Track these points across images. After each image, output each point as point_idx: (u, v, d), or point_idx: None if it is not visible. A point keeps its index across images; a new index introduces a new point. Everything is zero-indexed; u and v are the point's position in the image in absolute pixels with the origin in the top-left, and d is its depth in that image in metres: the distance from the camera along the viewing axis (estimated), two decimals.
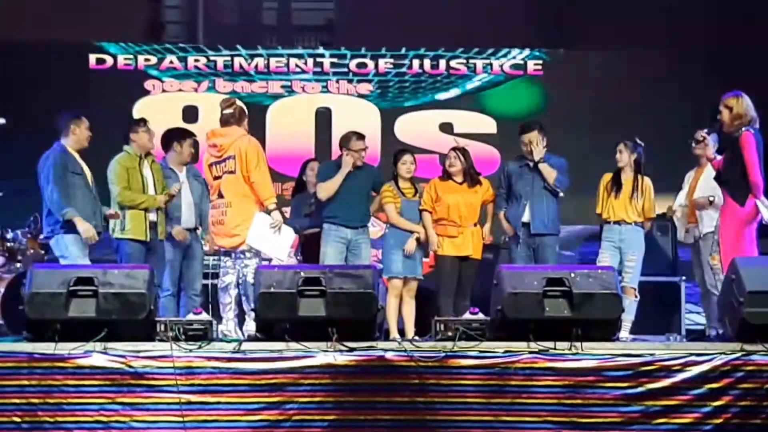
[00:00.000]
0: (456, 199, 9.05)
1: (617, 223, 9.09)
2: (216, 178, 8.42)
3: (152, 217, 8.81)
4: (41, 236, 9.08)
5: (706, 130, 8.53)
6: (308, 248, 9.68)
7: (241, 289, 8.38)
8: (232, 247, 8.38)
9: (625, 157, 9.13)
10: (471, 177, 9.15)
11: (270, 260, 8.74)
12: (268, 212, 8.36)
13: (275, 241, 8.38)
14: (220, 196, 8.38)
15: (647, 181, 9.18)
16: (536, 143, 9.00)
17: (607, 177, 9.22)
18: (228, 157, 8.32)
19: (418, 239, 9.03)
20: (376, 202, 9.32)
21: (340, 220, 9.09)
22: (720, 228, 8.18)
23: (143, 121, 9.16)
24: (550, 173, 9.02)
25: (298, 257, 9.83)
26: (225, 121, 8.46)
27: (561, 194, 9.11)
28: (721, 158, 8.25)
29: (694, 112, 11.28)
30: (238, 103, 8.52)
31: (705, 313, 9.30)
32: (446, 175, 9.18)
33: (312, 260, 9.43)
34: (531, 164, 9.10)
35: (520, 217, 9.08)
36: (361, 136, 9.27)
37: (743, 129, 8.03)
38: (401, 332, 9.00)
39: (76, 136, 8.72)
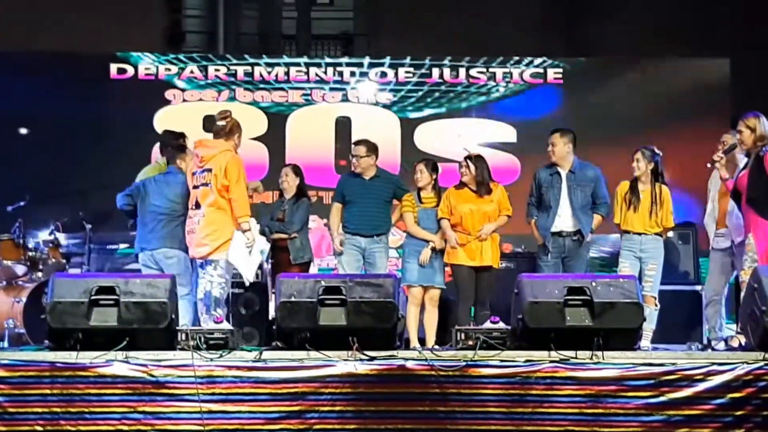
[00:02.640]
0: (469, 209, 9.06)
1: (637, 234, 9.05)
2: (194, 187, 8.35)
3: None
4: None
5: (722, 151, 8.53)
6: (276, 254, 9.64)
7: (205, 301, 8.16)
8: (201, 257, 8.25)
9: (642, 166, 9.08)
10: (484, 185, 9.13)
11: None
12: (243, 231, 8.17)
13: (247, 261, 8.21)
14: (197, 206, 8.29)
15: (665, 190, 9.12)
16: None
17: (625, 186, 9.15)
18: (206, 169, 8.21)
19: (433, 248, 9.04)
20: (398, 211, 9.38)
21: (353, 228, 9.23)
22: (756, 246, 8.17)
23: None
24: (600, 223, 9.17)
25: (270, 261, 9.76)
26: (215, 132, 8.38)
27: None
28: (738, 178, 8.26)
29: (715, 121, 11.27)
30: (233, 117, 8.41)
31: (709, 323, 9.24)
32: (461, 184, 9.19)
33: (281, 268, 9.38)
34: (561, 172, 9.10)
35: (549, 227, 9.05)
36: (358, 143, 9.53)
37: (766, 148, 8.07)
38: (422, 341, 9.00)
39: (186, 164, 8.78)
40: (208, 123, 12.17)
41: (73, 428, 6.70)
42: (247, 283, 8.46)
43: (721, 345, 8.65)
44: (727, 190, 8.72)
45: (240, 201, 8.11)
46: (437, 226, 9.13)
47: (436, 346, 8.58)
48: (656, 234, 9.06)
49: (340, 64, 12.94)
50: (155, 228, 8.61)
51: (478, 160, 9.20)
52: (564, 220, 9.06)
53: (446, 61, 12.79)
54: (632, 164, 9.12)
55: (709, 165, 8.76)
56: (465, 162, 9.19)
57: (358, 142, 9.58)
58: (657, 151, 9.15)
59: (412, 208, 9.18)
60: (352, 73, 12.83)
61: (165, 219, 8.59)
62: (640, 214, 9.02)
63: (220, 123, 8.30)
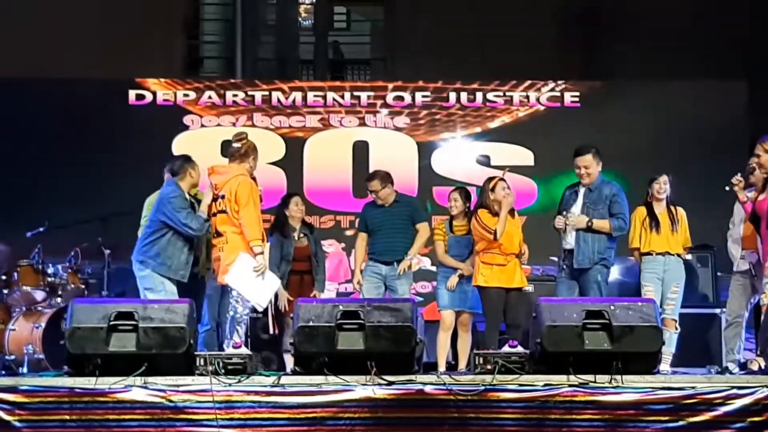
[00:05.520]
0: (512, 233, 8.99)
1: (660, 254, 9.02)
2: (213, 214, 8.40)
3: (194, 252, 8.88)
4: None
5: (739, 174, 8.51)
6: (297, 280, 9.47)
7: (227, 325, 8.21)
8: (227, 283, 8.32)
9: (668, 188, 9.09)
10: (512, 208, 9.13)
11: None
12: (254, 255, 8.07)
13: (257, 286, 8.06)
14: (218, 234, 8.31)
15: (681, 211, 9.13)
16: (575, 223, 8.87)
17: (642, 212, 9.13)
18: (221, 196, 8.26)
19: (461, 275, 9.04)
20: (424, 235, 9.39)
21: (375, 255, 9.30)
22: None
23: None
24: (604, 227, 8.91)
25: None
26: (231, 155, 8.41)
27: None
28: (758, 202, 8.22)
29: (732, 144, 11.24)
30: (249, 139, 8.43)
31: (727, 345, 9.17)
32: (493, 210, 9.08)
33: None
34: (579, 191, 9.03)
35: (564, 245, 9.00)
36: (371, 177, 9.51)
37: None
38: (451, 366, 9.02)
39: (193, 179, 8.72)
40: (227, 148, 12.28)
41: None
42: (260, 309, 8.31)
43: (736, 369, 8.59)
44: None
45: (250, 225, 8.06)
46: (468, 253, 9.13)
47: (462, 369, 8.58)
48: (677, 255, 9.05)
49: (357, 89, 12.96)
50: None
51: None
52: (572, 237, 8.97)
53: (464, 85, 12.80)
54: (656, 186, 9.06)
55: (727, 188, 8.73)
56: (507, 184, 9.06)
57: (370, 177, 9.54)
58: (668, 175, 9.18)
59: (443, 236, 9.21)
60: (370, 97, 12.85)
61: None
62: (663, 235, 9.01)
63: (236, 145, 8.34)
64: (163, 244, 8.41)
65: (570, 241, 8.94)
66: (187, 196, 8.58)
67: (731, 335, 9.04)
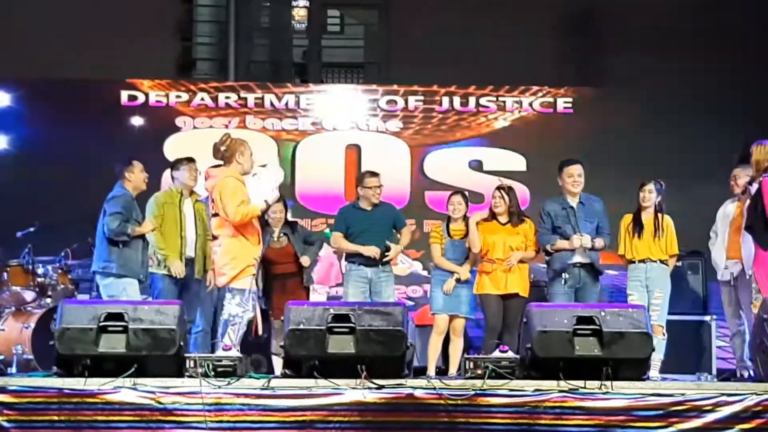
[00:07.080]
0: (496, 239, 9.02)
1: (642, 261, 9.03)
2: (211, 217, 8.49)
3: (189, 253, 8.84)
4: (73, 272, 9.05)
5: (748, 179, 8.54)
6: (285, 281, 9.38)
7: (221, 327, 8.27)
8: (221, 285, 8.32)
9: (654, 197, 9.09)
10: (516, 215, 9.14)
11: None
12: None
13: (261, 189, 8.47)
14: (214, 237, 8.39)
15: (667, 218, 9.13)
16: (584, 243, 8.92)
17: (628, 218, 9.15)
18: (212, 199, 8.31)
19: (458, 279, 9.04)
20: (409, 233, 9.35)
21: (359, 259, 9.17)
22: (755, 275, 8.15)
23: (187, 159, 9.20)
24: (602, 247, 9.03)
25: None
26: (222, 160, 8.48)
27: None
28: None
29: (725, 150, 11.26)
30: (232, 138, 8.44)
31: (735, 354, 9.21)
32: (491, 216, 9.14)
33: (292, 294, 9.08)
34: (573, 205, 9.03)
35: (567, 259, 8.98)
36: (374, 174, 9.38)
37: (763, 176, 8.07)
38: (442, 371, 9.00)
39: (132, 183, 8.80)
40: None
41: None
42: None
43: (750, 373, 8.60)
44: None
45: (242, 215, 8.11)
46: (464, 258, 9.13)
47: (454, 374, 8.57)
48: (661, 261, 9.04)
49: (350, 92, 12.97)
50: None
51: (510, 191, 9.20)
52: (580, 251, 8.99)
53: (456, 90, 12.82)
54: (641, 194, 9.08)
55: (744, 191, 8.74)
56: (499, 193, 9.16)
57: (372, 174, 9.41)
58: (660, 182, 9.18)
59: (440, 239, 9.20)
60: (362, 101, 12.84)
61: None
62: (644, 241, 9.01)
63: (222, 149, 8.37)
64: (119, 248, 8.51)
65: (577, 255, 8.94)
66: (132, 199, 8.73)
67: (737, 344, 9.09)
